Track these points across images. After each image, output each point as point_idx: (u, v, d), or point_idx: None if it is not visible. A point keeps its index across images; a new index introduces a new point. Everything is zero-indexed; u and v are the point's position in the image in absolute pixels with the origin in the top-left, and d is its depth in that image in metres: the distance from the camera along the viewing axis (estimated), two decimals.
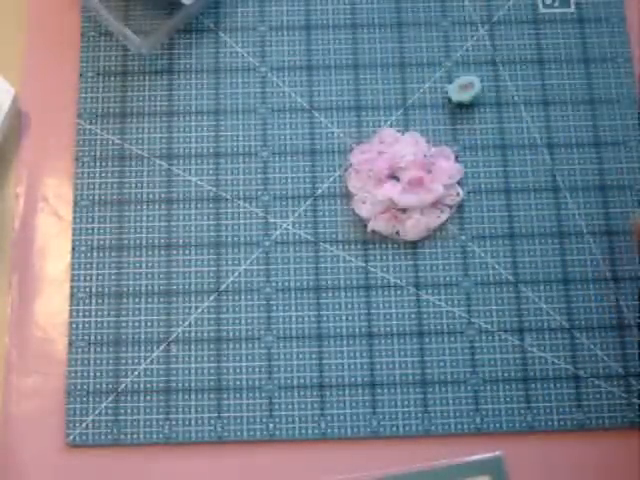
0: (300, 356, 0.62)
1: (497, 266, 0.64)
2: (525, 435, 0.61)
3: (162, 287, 0.63)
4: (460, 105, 0.67)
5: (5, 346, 0.62)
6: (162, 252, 0.64)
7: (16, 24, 0.70)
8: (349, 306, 0.63)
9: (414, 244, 0.64)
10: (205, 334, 0.62)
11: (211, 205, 0.65)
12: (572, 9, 0.70)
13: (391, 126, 0.67)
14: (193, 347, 0.62)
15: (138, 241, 0.64)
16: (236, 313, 0.63)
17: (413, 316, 0.63)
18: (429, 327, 0.62)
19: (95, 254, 0.64)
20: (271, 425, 0.61)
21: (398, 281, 0.63)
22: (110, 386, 0.61)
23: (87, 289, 0.63)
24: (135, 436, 0.60)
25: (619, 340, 0.62)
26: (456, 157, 0.66)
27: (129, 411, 0.61)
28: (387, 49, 0.69)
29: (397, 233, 0.64)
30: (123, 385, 0.61)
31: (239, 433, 0.60)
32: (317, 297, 0.63)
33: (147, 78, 0.68)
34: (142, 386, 0.61)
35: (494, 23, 0.70)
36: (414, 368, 0.62)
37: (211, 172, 0.66)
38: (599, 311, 0.63)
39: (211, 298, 0.63)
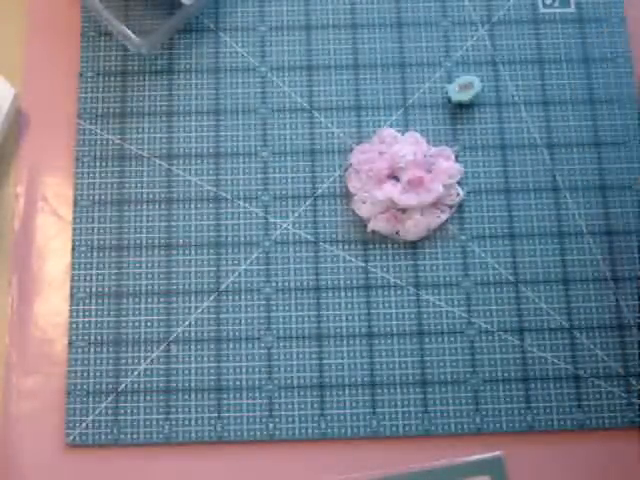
0: (300, 356, 0.62)
1: (497, 266, 0.64)
2: (525, 435, 0.61)
3: (162, 287, 0.63)
4: (460, 105, 0.67)
5: (5, 346, 0.62)
6: (162, 252, 0.64)
7: (16, 24, 0.70)
8: (349, 306, 0.63)
9: (414, 244, 0.64)
10: (205, 334, 0.62)
11: (211, 205, 0.65)
12: (572, 9, 0.70)
13: (391, 126, 0.67)
14: (193, 347, 0.62)
15: (138, 241, 0.64)
16: (236, 313, 0.63)
17: (413, 316, 0.63)
18: (429, 327, 0.62)
19: (95, 254, 0.64)
20: (271, 425, 0.61)
21: (398, 281, 0.63)
22: (110, 386, 0.61)
23: (87, 289, 0.63)
24: (135, 436, 0.60)
25: (619, 340, 0.62)
26: (456, 157, 0.66)
27: (129, 411, 0.61)
28: (387, 49, 0.69)
29: (397, 233, 0.64)
30: (123, 385, 0.61)
31: (239, 433, 0.60)
32: (317, 297, 0.63)
33: (147, 78, 0.68)
34: (142, 386, 0.61)
35: (494, 23, 0.70)
36: (414, 368, 0.62)
37: (211, 172, 0.66)
38: (599, 311, 0.63)
39: (211, 298, 0.63)
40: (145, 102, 0.67)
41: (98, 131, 0.67)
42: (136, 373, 0.62)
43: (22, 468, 0.60)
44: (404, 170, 0.64)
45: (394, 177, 0.65)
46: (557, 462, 0.60)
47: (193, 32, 0.69)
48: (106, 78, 0.68)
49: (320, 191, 0.65)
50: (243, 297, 0.63)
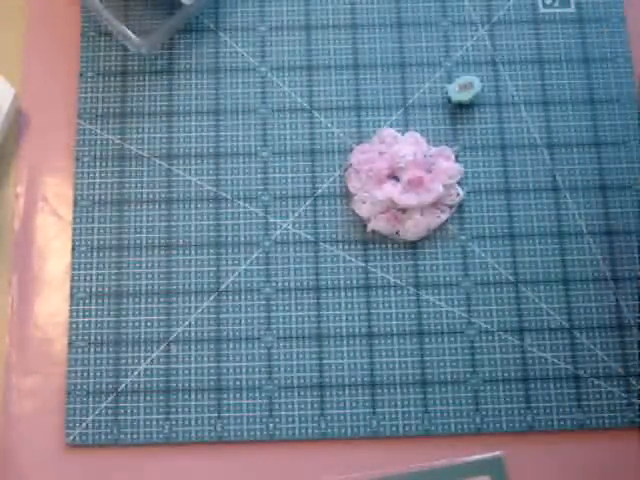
0: (300, 356, 0.62)
1: (497, 266, 0.64)
2: (525, 435, 0.61)
3: (162, 287, 0.63)
4: (460, 105, 0.67)
5: (5, 346, 0.62)
6: (162, 252, 0.64)
7: (16, 24, 0.70)
8: (349, 306, 0.63)
9: (414, 244, 0.64)
10: (205, 334, 0.62)
11: (211, 205, 0.65)
12: (572, 9, 0.70)
13: (391, 126, 0.67)
14: (193, 347, 0.62)
15: (138, 241, 0.64)
16: (236, 313, 0.63)
17: (413, 316, 0.63)
18: (429, 327, 0.62)
19: (95, 254, 0.64)
20: (271, 425, 0.61)
21: (398, 281, 0.63)
22: (110, 386, 0.61)
23: (87, 289, 0.63)
24: (135, 436, 0.60)
25: (619, 340, 0.62)
26: (456, 157, 0.66)
27: (129, 411, 0.61)
28: (387, 49, 0.69)
29: (397, 233, 0.64)
30: (123, 385, 0.61)
31: (239, 433, 0.60)
32: (317, 297, 0.63)
33: (147, 78, 0.68)
34: (142, 386, 0.61)
35: (494, 23, 0.70)
36: (414, 368, 0.62)
37: (211, 172, 0.66)
38: (599, 311, 0.63)
39: (211, 298, 0.63)
40: (145, 102, 0.67)
41: (98, 131, 0.67)
42: (136, 373, 0.62)
43: (22, 468, 0.60)
44: (404, 170, 0.64)
45: (394, 177, 0.65)
46: (557, 462, 0.60)
47: (193, 32, 0.69)
48: (106, 78, 0.68)
49: (320, 191, 0.65)
50: (243, 297, 0.63)
